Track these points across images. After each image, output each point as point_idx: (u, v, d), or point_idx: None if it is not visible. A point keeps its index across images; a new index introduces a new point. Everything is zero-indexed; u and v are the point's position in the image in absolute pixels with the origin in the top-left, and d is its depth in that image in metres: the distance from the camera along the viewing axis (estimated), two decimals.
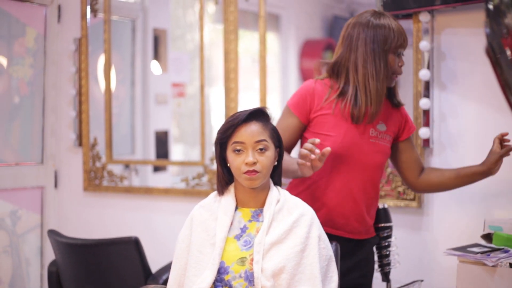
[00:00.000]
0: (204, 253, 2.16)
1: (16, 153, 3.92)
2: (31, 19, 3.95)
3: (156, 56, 4.68)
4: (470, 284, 2.48)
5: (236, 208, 2.24)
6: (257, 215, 2.21)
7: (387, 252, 2.78)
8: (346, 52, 2.50)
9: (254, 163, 2.14)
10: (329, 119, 2.52)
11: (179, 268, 2.21)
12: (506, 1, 1.59)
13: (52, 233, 2.93)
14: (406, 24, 3.15)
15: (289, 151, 2.60)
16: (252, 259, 2.11)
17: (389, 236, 2.78)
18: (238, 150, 2.17)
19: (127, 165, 4.16)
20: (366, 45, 2.46)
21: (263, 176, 2.17)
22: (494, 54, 1.59)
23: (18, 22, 3.89)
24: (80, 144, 4.00)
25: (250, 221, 2.20)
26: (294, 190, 2.58)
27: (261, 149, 2.16)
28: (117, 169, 4.03)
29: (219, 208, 2.23)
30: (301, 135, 2.60)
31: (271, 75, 4.06)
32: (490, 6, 1.62)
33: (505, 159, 2.84)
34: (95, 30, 3.97)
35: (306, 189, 2.57)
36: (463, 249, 2.58)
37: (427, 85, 2.99)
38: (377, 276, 2.86)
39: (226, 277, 2.11)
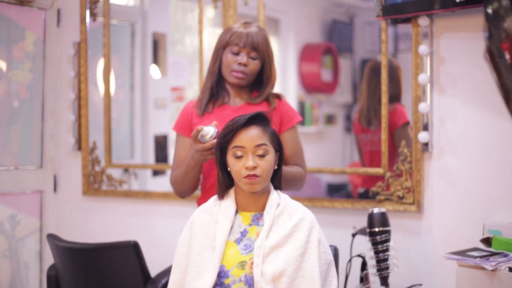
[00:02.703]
0: (204, 257, 2.16)
1: (15, 157, 3.91)
2: (31, 23, 3.95)
3: (155, 60, 4.68)
4: None
5: (236, 212, 2.24)
6: (257, 219, 2.22)
7: (385, 256, 2.78)
8: None
9: (254, 168, 2.15)
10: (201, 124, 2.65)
11: (179, 272, 2.21)
12: (505, 6, 1.60)
13: (51, 237, 2.93)
14: (405, 28, 3.16)
15: None
16: (252, 263, 2.11)
17: (387, 240, 2.78)
18: (239, 155, 2.17)
19: (126, 169, 4.16)
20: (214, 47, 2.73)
21: (263, 181, 2.17)
22: (493, 58, 1.59)
23: (17, 26, 3.90)
24: (79, 148, 4.00)
25: (250, 225, 2.21)
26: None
27: (261, 154, 2.17)
28: (116, 173, 4.02)
29: (219, 212, 2.23)
30: None
31: None
32: (489, 11, 1.62)
33: (504, 164, 2.85)
34: (94, 34, 3.97)
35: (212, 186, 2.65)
36: (462, 253, 2.58)
37: (426, 89, 3.00)
38: (375, 280, 2.86)
39: (226, 281, 2.11)
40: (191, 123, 2.71)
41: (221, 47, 2.68)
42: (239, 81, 2.66)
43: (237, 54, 2.64)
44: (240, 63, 2.63)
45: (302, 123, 2.75)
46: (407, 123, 3.15)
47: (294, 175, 2.65)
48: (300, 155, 2.72)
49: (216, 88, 2.72)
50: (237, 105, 2.69)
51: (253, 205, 2.23)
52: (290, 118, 2.71)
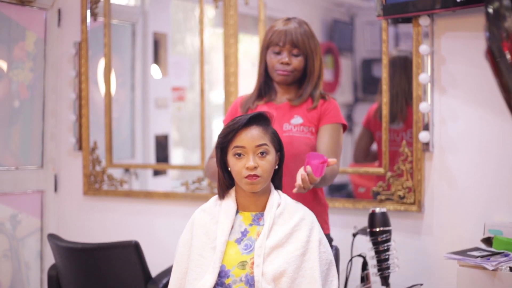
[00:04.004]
0: (205, 257, 2.16)
1: (16, 157, 3.92)
2: (31, 23, 3.95)
3: (156, 60, 4.68)
4: None
5: (237, 212, 2.24)
6: (257, 219, 2.22)
7: (386, 256, 2.78)
8: None
9: (255, 168, 2.14)
10: None
11: (180, 272, 2.21)
12: (506, 5, 1.60)
13: (52, 237, 2.93)
14: (406, 28, 3.16)
15: None
16: (252, 263, 2.11)
17: (388, 240, 2.78)
18: (239, 155, 2.17)
19: (127, 169, 4.16)
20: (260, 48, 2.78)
21: (264, 181, 2.17)
22: (494, 57, 1.59)
23: (18, 26, 3.90)
24: (80, 148, 4.00)
25: (250, 224, 2.21)
26: None
27: (262, 153, 2.17)
28: (117, 173, 4.02)
29: (220, 212, 2.23)
30: None
31: None
32: (490, 10, 1.62)
33: (504, 164, 2.85)
34: (95, 34, 3.97)
35: None
36: (463, 253, 2.58)
37: (427, 89, 3.00)
38: (376, 280, 2.86)
39: (227, 281, 2.11)
40: None
41: (264, 47, 2.71)
42: (284, 79, 2.67)
43: (279, 53, 2.66)
44: (282, 62, 2.65)
45: None
46: None
47: (331, 172, 2.58)
48: (334, 152, 2.61)
49: (264, 88, 2.74)
50: (280, 103, 2.71)
51: (254, 205, 2.23)
52: (329, 115, 2.66)
